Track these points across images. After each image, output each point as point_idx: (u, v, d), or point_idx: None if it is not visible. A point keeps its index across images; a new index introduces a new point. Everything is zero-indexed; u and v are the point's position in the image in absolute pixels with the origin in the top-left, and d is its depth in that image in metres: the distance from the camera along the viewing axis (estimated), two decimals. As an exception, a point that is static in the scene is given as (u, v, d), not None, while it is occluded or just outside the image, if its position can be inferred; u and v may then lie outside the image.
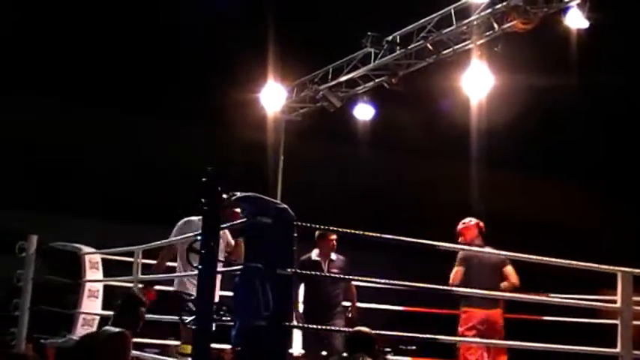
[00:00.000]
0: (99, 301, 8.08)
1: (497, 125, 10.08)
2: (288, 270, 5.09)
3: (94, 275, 8.14)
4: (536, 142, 11.00)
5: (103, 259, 8.32)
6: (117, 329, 5.17)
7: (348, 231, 5.66)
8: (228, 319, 5.09)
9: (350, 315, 8.10)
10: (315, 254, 8.13)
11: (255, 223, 5.10)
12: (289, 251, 5.23)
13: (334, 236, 8.06)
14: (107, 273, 8.34)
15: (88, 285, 8.04)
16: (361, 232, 5.91)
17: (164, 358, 7.29)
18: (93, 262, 8.15)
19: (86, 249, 8.26)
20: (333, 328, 7.57)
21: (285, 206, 5.40)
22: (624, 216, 11.32)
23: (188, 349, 6.70)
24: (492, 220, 11.12)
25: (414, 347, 10.72)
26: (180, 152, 11.59)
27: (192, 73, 11.68)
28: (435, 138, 11.30)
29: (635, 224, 11.25)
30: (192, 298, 6.60)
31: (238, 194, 5.23)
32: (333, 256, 8.13)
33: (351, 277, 7.34)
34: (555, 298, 8.13)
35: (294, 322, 8.09)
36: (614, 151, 11.13)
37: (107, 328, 5.31)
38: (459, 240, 7.84)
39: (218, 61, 11.62)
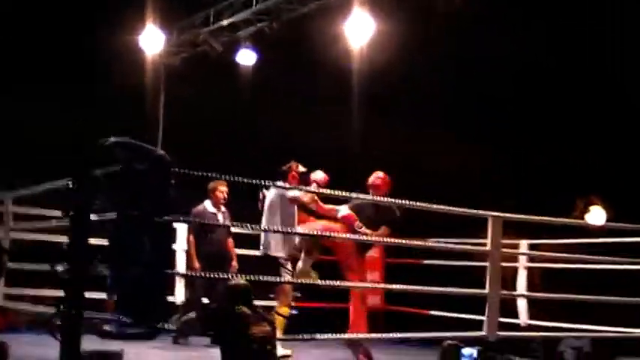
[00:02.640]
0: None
1: (378, 71, 10.17)
2: (166, 217, 5.04)
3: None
4: (417, 89, 11.14)
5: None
6: None
7: (242, 180, 5.63)
8: (104, 267, 4.99)
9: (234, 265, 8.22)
10: (209, 205, 8.09)
11: (131, 170, 4.99)
12: (167, 198, 5.17)
13: (226, 188, 8.04)
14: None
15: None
16: (254, 181, 5.95)
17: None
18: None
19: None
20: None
21: (163, 153, 5.31)
22: (508, 163, 11.68)
23: (285, 310, 7.02)
24: (373, 166, 11.32)
25: (298, 294, 10.71)
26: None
27: (66, 15, 11.14)
28: (317, 84, 11.30)
29: (517, 171, 11.61)
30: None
31: (112, 139, 5.09)
32: (223, 207, 8.13)
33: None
34: (430, 243, 8.37)
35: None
36: (495, 94, 11.40)
37: None
38: (373, 192, 7.44)
39: (94, 2, 11.15)
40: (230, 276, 5.98)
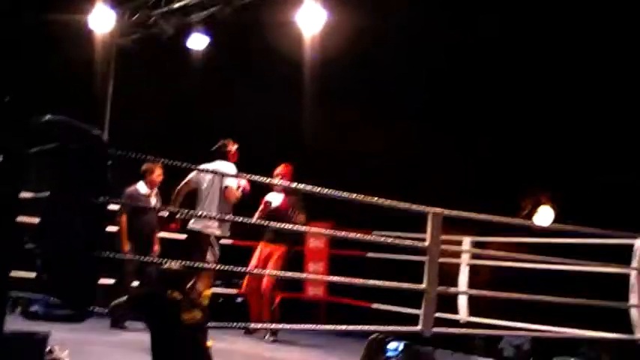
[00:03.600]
0: None
1: (329, 61, 10.14)
2: (101, 198, 4.95)
3: None
4: (367, 78, 11.12)
5: None
6: None
7: (178, 164, 5.58)
8: (33, 246, 4.89)
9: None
10: (142, 186, 8.00)
11: (67, 149, 4.89)
12: (102, 179, 5.07)
13: (161, 170, 7.99)
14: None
15: None
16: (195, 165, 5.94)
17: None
18: None
19: None
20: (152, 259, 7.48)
21: (100, 133, 5.23)
22: (452, 155, 11.70)
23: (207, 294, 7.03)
24: (323, 156, 11.31)
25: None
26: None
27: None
28: (269, 70, 11.23)
29: (463, 164, 11.63)
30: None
31: (48, 117, 4.98)
32: (155, 190, 8.07)
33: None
34: (371, 236, 8.39)
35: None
36: (442, 88, 11.42)
37: None
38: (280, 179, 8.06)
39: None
40: (161, 259, 5.91)
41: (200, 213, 7.21)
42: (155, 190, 8.09)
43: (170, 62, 11.00)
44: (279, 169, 8.18)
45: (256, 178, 6.20)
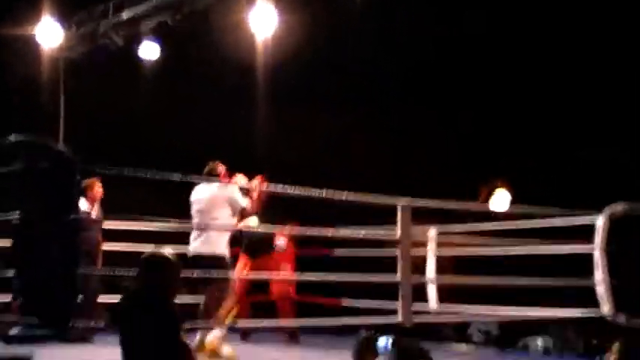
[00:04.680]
0: None
1: (283, 63, 10.15)
2: (72, 215, 4.92)
3: None
4: (320, 78, 11.14)
5: None
6: None
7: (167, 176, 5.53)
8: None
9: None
10: (82, 203, 7.76)
11: (35, 169, 4.85)
12: (72, 196, 5.04)
13: (100, 185, 7.91)
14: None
15: None
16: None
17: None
18: None
19: None
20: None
21: (64, 149, 5.18)
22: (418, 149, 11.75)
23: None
24: (282, 157, 11.31)
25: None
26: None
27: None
28: (222, 77, 11.19)
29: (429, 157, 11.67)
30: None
31: (12, 138, 4.93)
32: (96, 205, 7.97)
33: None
34: (341, 232, 8.42)
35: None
36: (402, 81, 11.46)
37: None
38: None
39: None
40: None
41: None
42: (96, 206, 7.97)
43: (121, 73, 10.88)
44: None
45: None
